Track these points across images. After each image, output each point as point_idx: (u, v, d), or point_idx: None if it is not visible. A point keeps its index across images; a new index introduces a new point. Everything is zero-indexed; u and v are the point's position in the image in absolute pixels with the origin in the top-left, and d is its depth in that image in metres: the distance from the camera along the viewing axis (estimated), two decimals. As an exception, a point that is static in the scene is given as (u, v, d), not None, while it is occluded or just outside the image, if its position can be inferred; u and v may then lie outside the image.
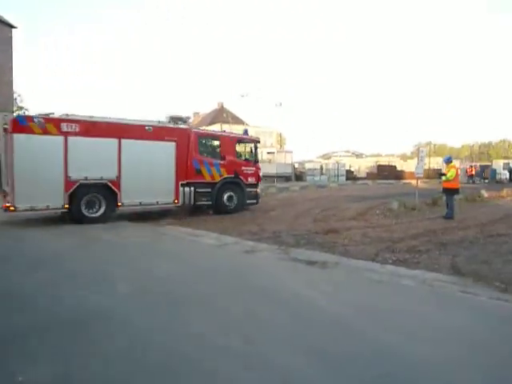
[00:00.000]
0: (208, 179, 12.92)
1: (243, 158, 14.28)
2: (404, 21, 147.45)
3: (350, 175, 46.71)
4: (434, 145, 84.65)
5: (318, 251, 7.55)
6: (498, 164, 46.28)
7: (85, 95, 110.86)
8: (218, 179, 13.12)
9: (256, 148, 14.65)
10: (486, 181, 39.77)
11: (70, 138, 10.35)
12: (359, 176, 48.18)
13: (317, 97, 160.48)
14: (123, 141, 11.13)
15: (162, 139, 11.89)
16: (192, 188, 12.50)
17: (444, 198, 12.48)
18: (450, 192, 12.01)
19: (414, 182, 19.22)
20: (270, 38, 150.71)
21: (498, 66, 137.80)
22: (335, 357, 3.40)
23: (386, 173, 45.96)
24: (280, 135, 64.31)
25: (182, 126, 12.74)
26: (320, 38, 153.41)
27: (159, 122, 12.34)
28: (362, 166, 55.62)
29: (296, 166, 45.97)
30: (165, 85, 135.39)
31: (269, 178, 39.11)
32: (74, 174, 10.43)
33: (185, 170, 12.38)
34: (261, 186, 15.71)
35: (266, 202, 17.55)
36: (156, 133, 11.81)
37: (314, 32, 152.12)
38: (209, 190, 12.92)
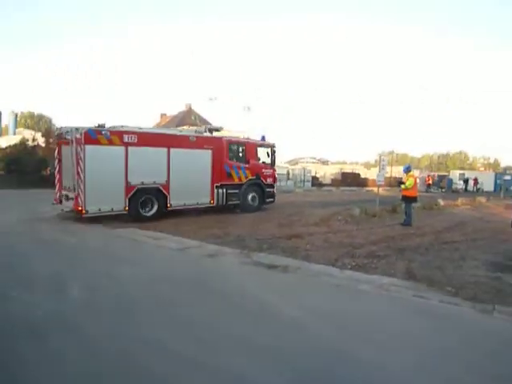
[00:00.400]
0: (236, 181, 14.40)
1: (262, 161, 15.68)
2: (367, 28, 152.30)
3: (316, 181, 47.51)
4: (396, 154, 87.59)
5: (280, 256, 7.62)
6: (455, 174, 48.62)
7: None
8: (244, 181, 14.62)
9: (274, 152, 16.03)
10: (443, 190, 41.57)
11: (130, 148, 11.49)
12: (324, 182, 49.07)
13: (285, 103, 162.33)
14: (172, 149, 12.47)
15: (202, 147, 13.38)
16: (224, 190, 13.96)
17: (403, 205, 12.93)
18: (409, 200, 12.46)
19: (376, 189, 19.81)
20: (240, 41, 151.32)
21: (456, 81, 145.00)
22: (290, 358, 3.43)
23: (349, 180, 47.10)
24: (247, 139, 64.60)
25: (216, 135, 14.46)
26: (287, 41, 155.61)
27: (196, 131, 14.22)
28: (327, 173, 56.70)
29: (263, 170, 46.06)
30: (132, 84, 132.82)
31: (235, 181, 39.15)
32: (133, 180, 11.63)
33: (218, 174, 13.80)
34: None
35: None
36: (197, 142, 13.35)
37: (282, 36, 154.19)
38: (237, 191, 14.40)
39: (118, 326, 4.04)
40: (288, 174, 47.44)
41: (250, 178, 14.80)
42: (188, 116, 54.86)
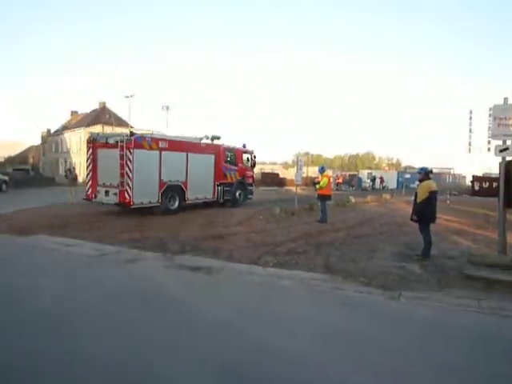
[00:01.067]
0: (229, 180, 17.42)
1: (244, 164, 18.76)
2: (290, 35, 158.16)
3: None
4: (312, 155, 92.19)
5: (203, 257, 7.57)
6: (364, 173, 52.62)
7: None
8: (234, 180, 17.69)
9: (254, 157, 19.35)
10: (354, 188, 44.72)
11: (163, 152, 14.12)
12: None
13: (205, 102, 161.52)
14: (189, 154, 15.20)
15: (208, 152, 16.36)
16: (222, 187, 16.97)
17: (318, 203, 13.65)
18: (323, 198, 13.20)
19: (294, 188, 20.65)
20: (158, 39, 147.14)
21: (364, 86, 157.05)
22: (216, 358, 3.44)
23: (269, 180, 48.31)
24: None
25: (216, 143, 17.23)
26: (205, 42, 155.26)
27: (201, 139, 16.67)
28: (247, 173, 57.38)
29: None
30: (41, 80, 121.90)
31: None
32: (165, 178, 14.09)
33: (218, 175, 16.78)
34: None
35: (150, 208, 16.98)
36: (205, 148, 16.37)
37: (200, 35, 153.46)
38: (230, 188, 17.42)
39: (31, 340, 3.69)
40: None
41: (238, 178, 18.00)
42: (102, 114, 51.82)
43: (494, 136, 6.79)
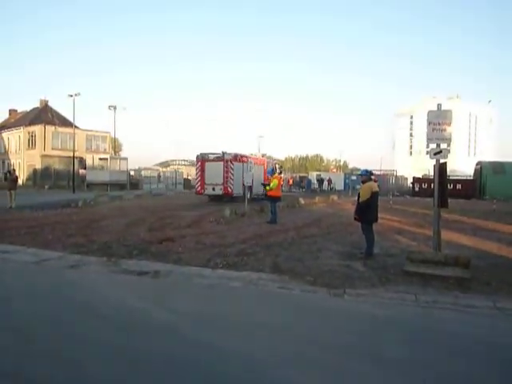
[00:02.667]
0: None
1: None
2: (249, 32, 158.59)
3: (188, 183, 47.37)
4: (263, 155, 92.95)
5: (151, 261, 7.39)
6: (313, 175, 53.95)
7: None
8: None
9: (280, 167, 26.37)
10: (303, 189, 45.75)
11: (244, 164, 22.40)
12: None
13: (156, 102, 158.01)
14: (255, 165, 23.69)
15: (261, 164, 25.85)
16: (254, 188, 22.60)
17: (269, 204, 13.82)
18: (274, 199, 13.38)
19: (245, 190, 20.84)
20: (107, 33, 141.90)
21: (313, 88, 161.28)
22: (159, 362, 3.38)
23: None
24: (115, 140, 60.79)
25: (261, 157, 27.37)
26: (160, 36, 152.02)
27: (263, 155, 30.53)
28: (199, 175, 56.89)
29: (132, 173, 44.14)
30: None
31: (101, 185, 36.53)
32: (245, 182, 17.41)
33: (264, 178, 20.92)
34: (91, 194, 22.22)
35: (96, 212, 16.33)
36: (260, 161, 26.27)
37: (154, 29, 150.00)
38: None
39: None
40: (159, 176, 46.33)
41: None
42: (44, 113, 49.03)
43: (429, 140, 7.22)
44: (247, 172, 19.33)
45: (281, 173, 20.79)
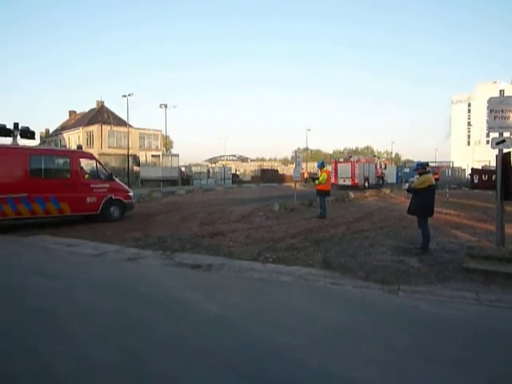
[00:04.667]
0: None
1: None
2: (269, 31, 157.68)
3: (236, 179, 48.09)
4: (311, 150, 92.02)
5: (203, 254, 7.60)
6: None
7: None
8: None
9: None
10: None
11: (362, 164, 35.09)
12: (244, 179, 49.83)
13: (204, 100, 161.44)
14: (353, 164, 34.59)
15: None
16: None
17: (318, 199, 13.66)
18: (323, 194, 13.21)
19: (293, 184, 20.68)
20: (154, 36, 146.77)
21: (358, 82, 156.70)
22: (218, 356, 3.47)
23: (268, 176, 48.41)
24: (166, 138, 62.92)
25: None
26: (206, 37, 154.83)
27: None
28: (247, 170, 57.63)
29: (183, 169, 45.49)
30: (37, 80, 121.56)
31: (154, 181, 38.00)
32: (365, 175, 33.64)
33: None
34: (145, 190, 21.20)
35: (151, 207, 17.01)
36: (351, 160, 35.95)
37: (196, 33, 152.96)
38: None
39: (38, 343, 3.72)
40: (208, 172, 47.34)
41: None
42: (100, 114, 51.74)
43: (490, 129, 6.78)
44: (366, 169, 32.57)
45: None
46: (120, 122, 48.34)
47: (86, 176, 12.18)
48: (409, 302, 5.12)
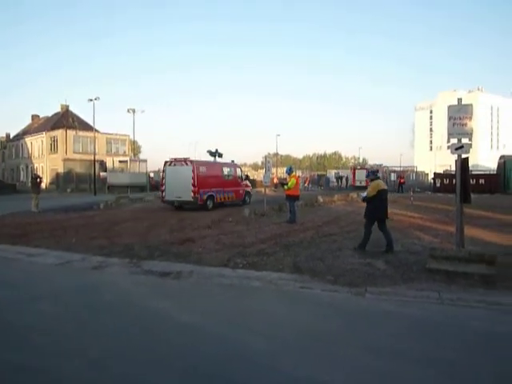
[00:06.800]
0: None
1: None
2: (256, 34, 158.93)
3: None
4: (281, 156, 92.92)
5: (172, 262, 7.49)
6: (331, 173, 53.58)
7: None
8: None
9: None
10: (322, 188, 45.44)
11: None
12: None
13: (173, 105, 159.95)
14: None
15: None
16: None
17: (287, 204, 13.78)
18: (292, 199, 13.34)
19: (263, 189, 20.76)
20: (121, 40, 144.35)
21: (329, 90, 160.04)
22: (185, 362, 3.43)
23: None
24: (134, 143, 61.71)
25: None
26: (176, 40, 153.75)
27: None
28: (217, 176, 57.07)
29: (151, 175, 44.70)
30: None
31: (122, 188, 37.13)
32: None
33: None
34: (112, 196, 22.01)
35: (118, 214, 16.62)
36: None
37: (168, 34, 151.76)
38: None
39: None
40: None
41: None
42: (65, 118, 50.13)
43: (450, 135, 7.09)
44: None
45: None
46: (86, 127, 47.01)
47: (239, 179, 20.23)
48: (375, 303, 5.26)
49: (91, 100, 36.22)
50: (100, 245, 9.23)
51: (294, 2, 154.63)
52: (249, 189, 21.32)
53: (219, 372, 3.30)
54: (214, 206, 17.66)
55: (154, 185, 42.20)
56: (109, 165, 44.13)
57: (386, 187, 8.58)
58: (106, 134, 49.30)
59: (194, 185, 16.78)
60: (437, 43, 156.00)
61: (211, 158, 19.78)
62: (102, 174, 42.15)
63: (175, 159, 17.84)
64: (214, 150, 18.75)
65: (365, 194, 8.86)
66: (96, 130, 41.20)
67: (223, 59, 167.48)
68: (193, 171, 16.97)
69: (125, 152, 51.53)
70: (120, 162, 44.94)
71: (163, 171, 18.10)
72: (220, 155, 19.37)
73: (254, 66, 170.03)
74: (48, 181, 44.82)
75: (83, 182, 41.71)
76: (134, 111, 45.66)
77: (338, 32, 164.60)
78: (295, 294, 5.67)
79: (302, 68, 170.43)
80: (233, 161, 19.57)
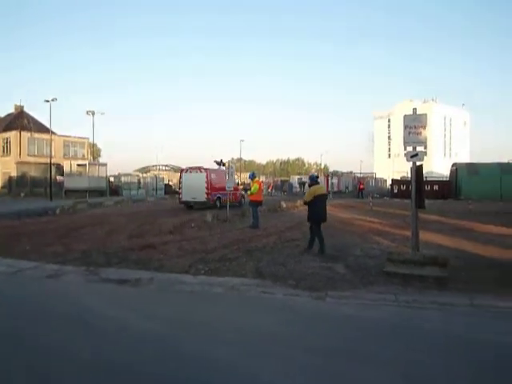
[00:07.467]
0: None
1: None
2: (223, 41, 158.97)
3: (169, 189, 46.95)
4: (244, 161, 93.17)
5: (131, 269, 7.29)
6: (294, 179, 54.28)
7: None
8: None
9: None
10: (285, 193, 45.95)
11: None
12: (178, 190, 48.75)
13: (134, 108, 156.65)
14: None
15: None
16: None
17: (250, 209, 13.81)
18: (255, 204, 13.38)
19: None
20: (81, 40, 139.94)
21: (293, 97, 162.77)
22: (144, 371, 3.32)
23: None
24: (93, 146, 59.79)
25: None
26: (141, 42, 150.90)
27: None
28: (180, 180, 56.38)
29: (111, 179, 43.46)
30: None
31: (80, 192, 35.81)
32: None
33: None
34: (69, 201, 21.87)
35: (75, 220, 16.01)
36: None
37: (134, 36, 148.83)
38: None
39: None
40: (139, 182, 45.73)
41: None
42: (19, 119, 47.72)
43: (405, 143, 7.38)
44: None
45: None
46: (42, 129, 44.97)
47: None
48: (335, 307, 5.36)
49: (47, 101, 34.78)
50: (55, 252, 8.83)
51: (252, 14, 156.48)
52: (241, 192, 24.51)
53: (177, 380, 3.23)
54: (221, 205, 20.20)
55: (114, 189, 41.10)
56: (66, 168, 42.37)
57: (324, 192, 9.31)
58: (63, 136, 47.36)
59: (207, 188, 20.35)
60: (395, 53, 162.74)
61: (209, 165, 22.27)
62: (59, 177, 40.42)
63: (191, 167, 21.79)
64: (219, 160, 20.23)
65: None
66: (53, 132, 39.52)
67: (186, 66, 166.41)
68: (206, 177, 20.54)
69: (84, 155, 49.73)
70: (78, 165, 43.28)
71: (180, 177, 22.44)
72: (223, 164, 20.60)
73: (217, 73, 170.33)
74: (0, 185, 42.49)
75: (38, 186, 39.79)
76: (93, 113, 44.35)
77: (300, 40, 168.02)
78: (257, 299, 5.67)
79: (266, 75, 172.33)
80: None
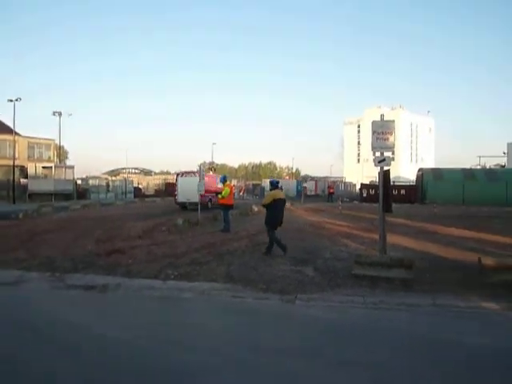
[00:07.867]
0: None
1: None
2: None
3: (139, 192, 46.18)
4: (217, 164, 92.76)
5: (98, 274, 7.08)
6: (266, 183, 54.53)
7: None
8: None
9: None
10: (257, 197, 46.08)
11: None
12: (148, 193, 48.09)
13: (103, 110, 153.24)
14: None
15: None
16: None
17: (222, 213, 13.75)
18: (226, 208, 13.34)
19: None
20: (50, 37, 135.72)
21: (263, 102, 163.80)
22: (112, 379, 3.24)
23: (173, 190, 47.24)
24: (60, 148, 57.94)
25: None
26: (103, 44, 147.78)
27: None
28: (150, 184, 55.78)
29: (79, 182, 42.25)
30: None
31: (45, 195, 34.60)
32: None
33: None
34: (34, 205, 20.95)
35: (39, 224, 15.43)
36: None
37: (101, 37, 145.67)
38: None
39: None
40: (108, 185, 44.72)
41: None
42: (-21, 119, 45.57)
43: (373, 148, 7.57)
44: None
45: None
46: (5, 130, 43.17)
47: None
48: (304, 310, 5.41)
49: (11, 101, 33.48)
50: (18, 258, 8.47)
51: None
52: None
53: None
54: (212, 206, 21.33)
55: (82, 192, 39.96)
56: (31, 171, 40.83)
57: (283, 197, 9.56)
58: (27, 137, 45.62)
59: None
60: (365, 61, 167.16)
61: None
62: (23, 180, 38.87)
63: (186, 172, 25.01)
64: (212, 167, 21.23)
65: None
66: (16, 133, 38.02)
67: (158, 65, 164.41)
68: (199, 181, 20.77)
69: (49, 157, 48.07)
70: (44, 167, 41.80)
71: (176, 180, 25.17)
72: (215, 170, 21.57)
73: (189, 75, 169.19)
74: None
75: (0, 189, 38.13)
76: (60, 114, 43.02)
77: (277, 43, 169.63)
78: (227, 303, 5.65)
79: (239, 81, 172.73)
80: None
